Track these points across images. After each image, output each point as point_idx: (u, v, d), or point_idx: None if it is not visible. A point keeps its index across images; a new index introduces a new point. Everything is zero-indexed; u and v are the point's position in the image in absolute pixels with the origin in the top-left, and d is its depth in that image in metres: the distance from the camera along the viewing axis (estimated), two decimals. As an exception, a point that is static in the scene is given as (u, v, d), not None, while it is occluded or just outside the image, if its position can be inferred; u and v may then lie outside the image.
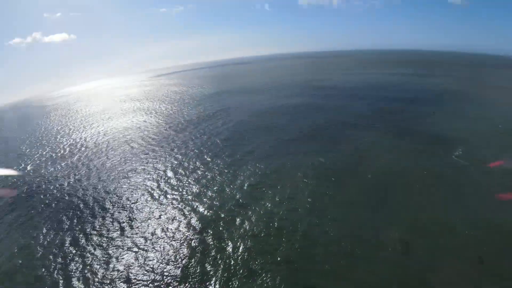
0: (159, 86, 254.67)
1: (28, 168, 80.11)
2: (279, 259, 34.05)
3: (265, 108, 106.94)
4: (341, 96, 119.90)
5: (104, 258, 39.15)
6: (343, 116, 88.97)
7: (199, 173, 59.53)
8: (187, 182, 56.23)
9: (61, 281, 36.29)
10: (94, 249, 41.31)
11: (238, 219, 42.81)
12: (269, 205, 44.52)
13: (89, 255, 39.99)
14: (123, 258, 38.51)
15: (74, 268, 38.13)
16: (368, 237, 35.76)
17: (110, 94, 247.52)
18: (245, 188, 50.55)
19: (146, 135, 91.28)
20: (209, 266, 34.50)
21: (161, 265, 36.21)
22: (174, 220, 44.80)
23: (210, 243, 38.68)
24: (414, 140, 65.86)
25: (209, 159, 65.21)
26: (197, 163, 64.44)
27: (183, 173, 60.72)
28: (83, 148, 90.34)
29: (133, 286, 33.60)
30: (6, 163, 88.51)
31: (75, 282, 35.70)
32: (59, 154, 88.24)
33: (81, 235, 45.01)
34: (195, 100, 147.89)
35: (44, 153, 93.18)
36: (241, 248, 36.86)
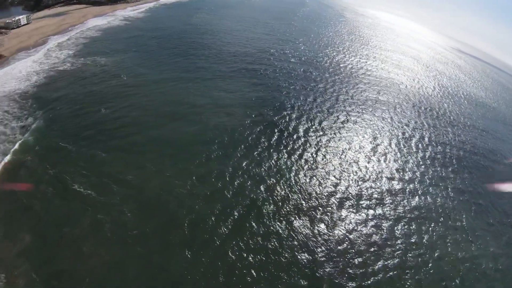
0: (448, 61, 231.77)
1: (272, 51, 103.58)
2: None
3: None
4: None
5: (266, 159, 58.84)
6: None
7: (397, 168, 60.84)
8: (376, 168, 60.63)
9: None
10: (269, 149, 60.65)
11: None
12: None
13: (264, 152, 60.54)
14: (277, 169, 55.61)
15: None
16: None
17: (399, 37, 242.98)
18: (401, 219, 50.52)
19: (396, 96, 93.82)
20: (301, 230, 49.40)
21: (295, 193, 51.84)
22: (328, 184, 55.08)
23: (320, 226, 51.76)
24: None
25: (423, 166, 64.52)
26: (406, 159, 65.16)
27: (385, 158, 64.49)
28: (337, 69, 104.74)
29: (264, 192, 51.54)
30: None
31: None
32: (316, 62, 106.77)
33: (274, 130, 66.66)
34: (469, 100, 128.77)
35: (307, 51, 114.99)
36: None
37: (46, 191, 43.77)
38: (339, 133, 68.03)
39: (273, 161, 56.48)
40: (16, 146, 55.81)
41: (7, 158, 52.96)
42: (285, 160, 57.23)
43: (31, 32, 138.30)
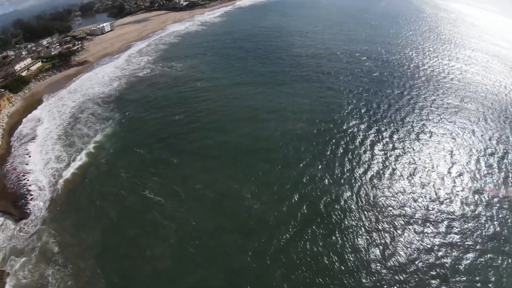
0: None
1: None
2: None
3: None
4: None
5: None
6: None
7: (474, 190, 53.13)
8: (450, 189, 52.60)
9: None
10: (334, 162, 58.72)
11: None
12: None
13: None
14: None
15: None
16: None
17: (484, 33, 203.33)
18: (470, 251, 43.62)
19: (481, 104, 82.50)
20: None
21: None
22: (394, 203, 51.32)
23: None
24: None
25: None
26: (486, 179, 55.93)
27: (462, 177, 55.41)
28: (415, 72, 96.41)
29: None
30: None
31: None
32: (392, 65, 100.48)
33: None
34: None
35: (383, 52, 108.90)
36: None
37: (118, 193, 48.54)
38: (412, 148, 62.13)
39: (337, 175, 54.55)
40: (91, 148, 63.36)
41: (83, 159, 60.49)
42: (350, 174, 54.70)
43: (115, 39, 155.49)
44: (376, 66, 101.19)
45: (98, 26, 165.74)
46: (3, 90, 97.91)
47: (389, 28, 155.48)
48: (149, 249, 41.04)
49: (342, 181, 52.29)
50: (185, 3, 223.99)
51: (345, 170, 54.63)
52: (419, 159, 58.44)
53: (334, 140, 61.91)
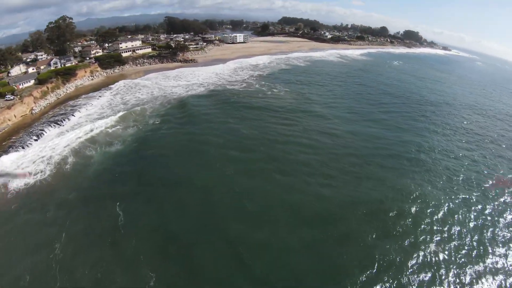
0: None
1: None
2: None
3: None
4: None
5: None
6: None
7: None
8: None
9: None
10: None
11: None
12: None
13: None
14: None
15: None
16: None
17: None
18: None
19: None
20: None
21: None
22: None
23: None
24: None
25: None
26: None
27: None
28: None
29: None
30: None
31: None
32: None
33: None
34: None
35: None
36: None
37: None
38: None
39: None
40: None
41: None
42: None
43: (240, 49, 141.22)
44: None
45: (231, 35, 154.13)
46: (94, 62, 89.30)
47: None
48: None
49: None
50: (329, 36, 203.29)
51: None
52: None
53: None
